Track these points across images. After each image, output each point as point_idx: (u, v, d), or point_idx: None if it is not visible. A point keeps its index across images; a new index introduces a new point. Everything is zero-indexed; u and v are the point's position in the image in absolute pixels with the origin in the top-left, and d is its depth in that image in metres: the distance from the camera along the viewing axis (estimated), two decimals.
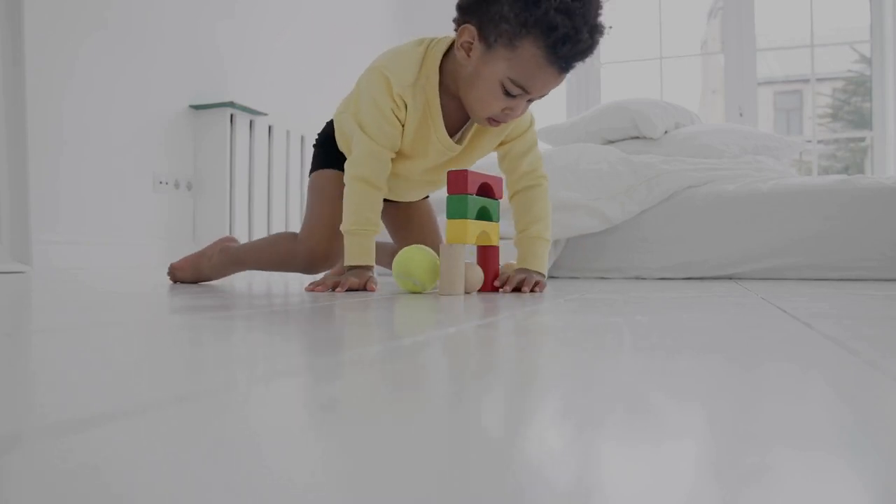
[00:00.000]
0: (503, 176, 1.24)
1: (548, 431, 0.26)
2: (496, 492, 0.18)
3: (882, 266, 1.84)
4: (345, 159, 1.20)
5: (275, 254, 1.31)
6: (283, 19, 3.41)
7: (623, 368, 0.40)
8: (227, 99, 2.88)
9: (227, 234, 2.80)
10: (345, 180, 1.16)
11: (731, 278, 1.95)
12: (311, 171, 1.31)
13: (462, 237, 1.09)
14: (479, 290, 1.15)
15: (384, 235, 1.41)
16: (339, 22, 3.86)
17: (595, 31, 1.03)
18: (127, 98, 2.54)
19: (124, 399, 0.30)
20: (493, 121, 1.12)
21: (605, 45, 1.09)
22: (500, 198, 1.19)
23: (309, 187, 1.31)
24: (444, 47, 1.14)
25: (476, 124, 1.18)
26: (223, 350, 0.48)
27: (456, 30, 1.09)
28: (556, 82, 1.08)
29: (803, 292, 1.21)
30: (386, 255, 1.46)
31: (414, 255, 1.10)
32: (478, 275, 1.11)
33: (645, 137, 2.42)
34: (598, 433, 0.25)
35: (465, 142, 1.20)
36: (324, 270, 1.29)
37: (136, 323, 0.64)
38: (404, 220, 1.44)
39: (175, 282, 1.42)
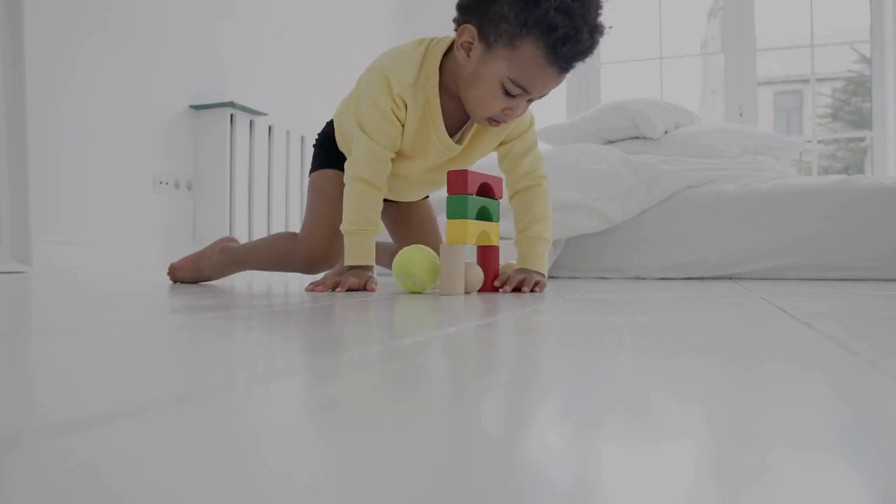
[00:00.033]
0: (503, 176, 1.24)
1: (548, 431, 0.26)
2: (496, 492, 0.18)
3: (882, 266, 1.84)
4: (345, 159, 1.20)
5: (275, 254, 1.31)
6: (283, 19, 3.41)
7: (623, 368, 0.40)
8: (227, 99, 2.88)
9: (227, 234, 2.80)
10: (345, 180, 1.16)
11: (731, 278, 1.95)
12: (311, 171, 1.31)
13: (462, 237, 1.09)
14: (479, 290, 1.15)
15: (384, 235, 1.41)
16: (339, 22, 3.86)
17: (595, 31, 1.03)
18: (127, 98, 2.54)
19: (124, 399, 0.30)
20: (493, 121, 1.12)
21: (605, 45, 1.09)
22: (500, 198, 1.19)
23: (309, 187, 1.31)
24: (444, 47, 1.14)
25: (476, 124, 1.18)
26: (223, 350, 0.48)
27: (456, 30, 1.09)
28: (556, 82, 1.08)
29: (803, 292, 1.21)
30: (386, 255, 1.46)
31: (414, 255, 1.10)
32: (478, 275, 1.11)
33: (645, 137, 2.42)
34: (598, 433, 0.25)
35: (465, 142, 1.20)
36: (324, 270, 1.29)
37: (136, 323, 0.64)
38: (404, 220, 1.44)
39: (175, 282, 1.42)
